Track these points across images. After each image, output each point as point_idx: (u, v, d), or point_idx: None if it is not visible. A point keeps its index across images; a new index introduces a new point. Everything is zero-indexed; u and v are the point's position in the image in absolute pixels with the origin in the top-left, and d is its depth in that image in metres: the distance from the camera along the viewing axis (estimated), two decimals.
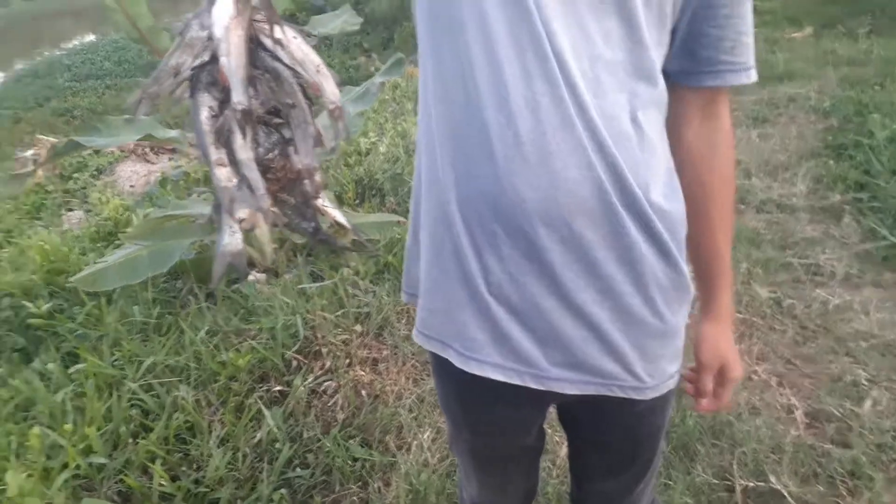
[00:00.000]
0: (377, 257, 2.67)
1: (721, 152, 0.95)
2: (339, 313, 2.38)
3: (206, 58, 0.71)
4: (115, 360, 2.32)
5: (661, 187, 0.86)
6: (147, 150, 6.55)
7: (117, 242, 3.43)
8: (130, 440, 1.99)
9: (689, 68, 0.90)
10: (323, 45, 8.17)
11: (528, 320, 0.87)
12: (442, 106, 0.86)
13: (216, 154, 0.73)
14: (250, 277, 2.79)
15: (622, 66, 0.81)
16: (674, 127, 0.94)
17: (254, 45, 0.72)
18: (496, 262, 0.86)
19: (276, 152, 0.79)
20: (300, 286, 2.49)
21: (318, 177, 0.82)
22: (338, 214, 0.88)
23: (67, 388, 2.21)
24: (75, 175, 6.48)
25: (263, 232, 2.87)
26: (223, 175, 0.74)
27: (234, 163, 0.74)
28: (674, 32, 0.87)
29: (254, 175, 0.75)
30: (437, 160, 0.88)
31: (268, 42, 0.72)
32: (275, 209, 0.81)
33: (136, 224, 3.26)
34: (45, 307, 2.72)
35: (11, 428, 2.11)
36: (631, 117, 0.82)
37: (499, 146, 0.80)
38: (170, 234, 2.73)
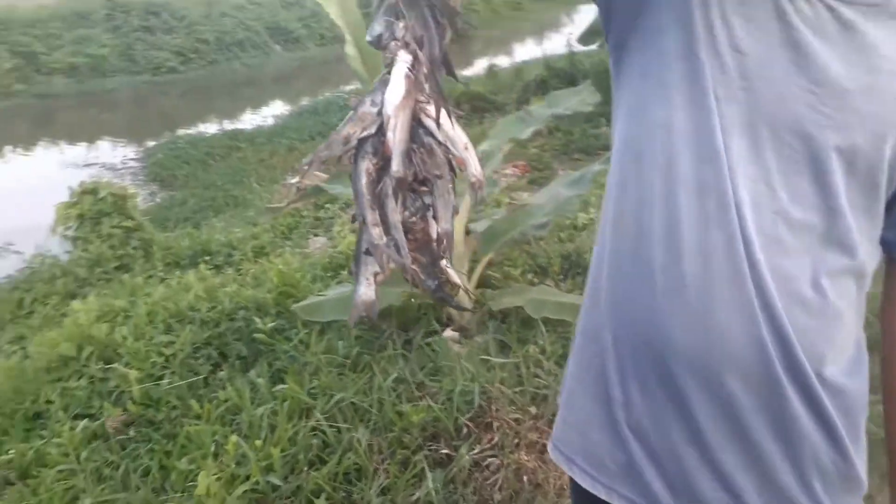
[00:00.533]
0: (566, 340, 2.65)
1: None
2: (516, 390, 2.39)
3: (372, 130, 0.79)
4: (312, 388, 2.54)
5: (841, 362, 0.78)
6: None
7: (342, 276, 3.77)
8: (306, 469, 2.16)
9: None
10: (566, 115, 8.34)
11: (664, 464, 0.83)
12: (615, 231, 0.86)
13: (371, 215, 0.81)
14: (445, 334, 2.90)
15: (810, 229, 0.76)
16: (890, 303, 0.85)
17: (415, 123, 0.80)
18: (640, 395, 0.84)
19: (418, 216, 0.86)
20: (482, 357, 2.54)
21: (447, 239, 0.89)
22: (454, 275, 0.93)
23: (268, 406, 2.46)
24: (327, 205, 7.24)
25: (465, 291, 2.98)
26: (376, 234, 0.82)
27: (384, 223, 0.82)
28: (892, 201, 0.80)
29: (400, 236, 0.82)
30: (602, 279, 0.88)
31: (427, 121, 0.80)
32: (414, 267, 0.88)
33: (340, 277, 3.57)
34: (270, 325, 3.06)
35: (217, 430, 2.40)
36: (812, 283, 0.76)
37: (661, 284, 0.79)
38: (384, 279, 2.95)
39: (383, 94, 0.76)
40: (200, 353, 3.06)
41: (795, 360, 0.75)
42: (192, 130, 14.48)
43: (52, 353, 2.97)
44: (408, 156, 0.78)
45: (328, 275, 3.97)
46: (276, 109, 16.72)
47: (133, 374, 2.70)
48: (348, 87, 18.34)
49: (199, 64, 22.18)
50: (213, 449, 2.26)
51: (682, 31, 0.76)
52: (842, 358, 0.78)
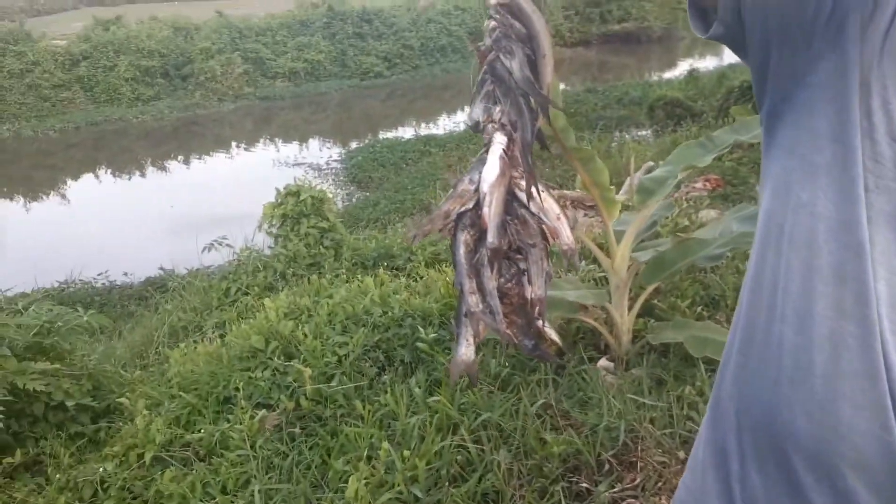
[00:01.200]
0: None
1: None
2: (665, 431, 2.31)
3: (470, 205, 0.85)
4: (462, 404, 2.63)
5: None
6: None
7: None
8: (447, 484, 2.25)
9: None
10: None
11: None
12: (751, 303, 0.85)
13: (469, 283, 0.87)
14: (599, 363, 2.86)
15: None
16: None
17: (509, 197, 0.84)
18: (757, 473, 0.82)
19: (514, 282, 0.90)
20: (631, 395, 2.47)
21: (544, 302, 0.94)
22: (553, 334, 0.97)
23: (420, 416, 2.59)
24: None
25: (624, 321, 2.92)
26: (473, 301, 0.88)
27: (481, 290, 0.87)
28: None
29: (495, 303, 0.87)
30: (734, 349, 0.87)
31: (521, 194, 0.84)
32: (508, 331, 0.93)
33: None
34: (432, 336, 3.21)
35: (374, 433, 2.57)
36: None
37: (788, 367, 0.78)
38: None
39: (480, 172, 0.81)
40: (369, 355, 3.28)
41: None
42: (390, 134, 15.38)
43: (245, 343, 3.34)
44: (503, 227, 0.82)
45: None
46: None
47: (308, 371, 2.96)
48: None
49: (402, 69, 23.52)
50: (367, 452, 2.43)
51: (837, 114, 0.73)
52: None
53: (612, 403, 2.41)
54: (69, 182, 14.81)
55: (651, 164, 8.67)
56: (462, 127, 15.09)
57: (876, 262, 0.71)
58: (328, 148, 15.25)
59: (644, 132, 12.76)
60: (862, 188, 0.71)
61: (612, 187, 2.70)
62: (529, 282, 0.90)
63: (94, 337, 4.80)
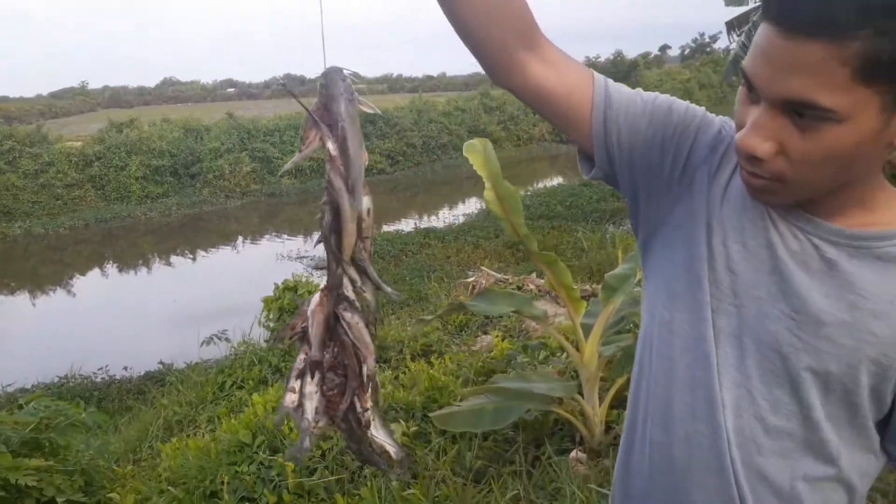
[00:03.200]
0: None
1: None
2: None
3: (307, 324, 1.05)
4: (436, 497, 2.72)
5: None
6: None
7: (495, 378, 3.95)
8: None
9: None
10: None
11: None
12: (632, 406, 1.02)
13: (291, 383, 1.06)
14: (572, 454, 2.96)
15: (788, 436, 0.85)
16: None
17: (333, 322, 1.05)
18: None
19: (337, 391, 1.08)
20: (596, 487, 2.57)
21: (367, 414, 1.09)
22: (389, 445, 1.12)
23: None
24: None
25: (596, 413, 3.04)
26: (288, 399, 1.06)
27: (301, 392, 1.06)
28: (888, 418, 0.87)
29: (308, 405, 1.05)
30: (622, 446, 1.03)
31: (343, 323, 1.05)
32: (313, 429, 1.07)
33: (490, 382, 3.74)
34: (413, 429, 3.32)
35: None
36: (790, 484, 0.85)
37: (656, 459, 0.93)
38: (514, 396, 3.10)
39: (310, 302, 1.01)
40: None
41: None
42: (391, 227, 15.76)
43: (233, 438, 3.45)
44: (326, 345, 1.01)
45: (480, 379, 4.17)
46: (469, 207, 17.72)
47: (291, 464, 3.06)
48: (539, 185, 18.97)
49: (405, 165, 24.26)
50: None
51: (689, 249, 0.90)
52: None
53: (577, 495, 2.50)
54: (76, 277, 15.11)
55: None
56: (461, 219, 15.49)
57: (722, 373, 0.86)
58: None
59: None
60: (709, 310, 0.86)
61: (575, 287, 2.89)
62: (342, 393, 1.07)
63: (91, 432, 4.88)
